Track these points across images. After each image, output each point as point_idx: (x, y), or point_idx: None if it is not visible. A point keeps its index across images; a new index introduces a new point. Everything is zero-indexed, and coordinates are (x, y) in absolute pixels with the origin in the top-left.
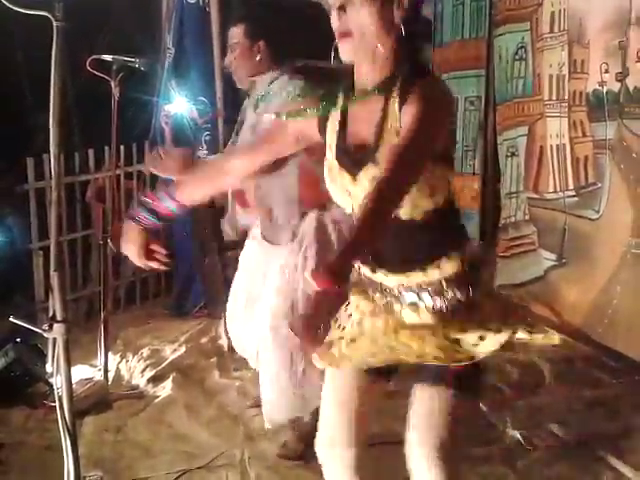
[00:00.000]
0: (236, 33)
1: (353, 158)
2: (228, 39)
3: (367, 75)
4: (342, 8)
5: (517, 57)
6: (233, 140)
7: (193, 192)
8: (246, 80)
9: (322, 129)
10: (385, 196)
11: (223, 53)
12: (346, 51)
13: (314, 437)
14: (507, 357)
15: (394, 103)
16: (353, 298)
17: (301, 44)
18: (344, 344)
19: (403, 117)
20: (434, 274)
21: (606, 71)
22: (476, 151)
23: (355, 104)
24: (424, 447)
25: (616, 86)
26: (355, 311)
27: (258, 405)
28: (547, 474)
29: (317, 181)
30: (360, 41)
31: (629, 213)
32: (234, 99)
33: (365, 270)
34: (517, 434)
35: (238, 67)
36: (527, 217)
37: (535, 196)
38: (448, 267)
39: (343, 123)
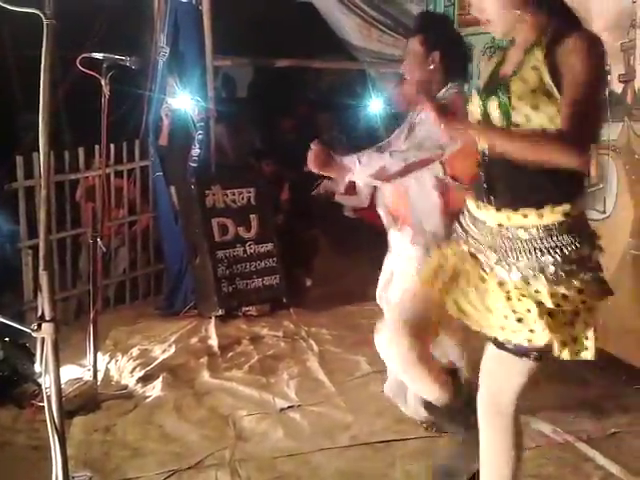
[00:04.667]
0: (414, 42)
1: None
2: (406, 48)
3: (518, 37)
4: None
5: None
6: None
7: None
8: (413, 94)
9: None
10: (542, 144)
11: (215, 52)
12: (490, 31)
13: None
14: None
15: (537, 50)
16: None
17: None
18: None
19: (563, 68)
20: (535, 219)
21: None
22: None
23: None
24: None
25: (619, 88)
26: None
27: None
28: (537, 474)
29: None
30: (499, 20)
31: (632, 214)
32: (226, 99)
33: (471, 204)
34: None
35: (411, 72)
36: None
37: None
38: (552, 216)
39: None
